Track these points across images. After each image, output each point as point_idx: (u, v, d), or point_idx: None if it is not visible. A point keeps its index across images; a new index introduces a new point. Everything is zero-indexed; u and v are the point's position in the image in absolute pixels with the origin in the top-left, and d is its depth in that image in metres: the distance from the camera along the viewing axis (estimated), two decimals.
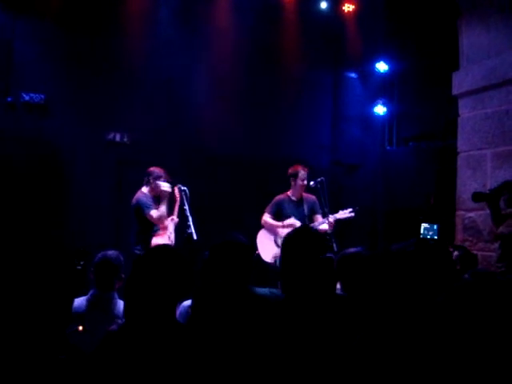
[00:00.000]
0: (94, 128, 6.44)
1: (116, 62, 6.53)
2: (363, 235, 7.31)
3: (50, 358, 1.89)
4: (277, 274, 5.85)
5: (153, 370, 2.00)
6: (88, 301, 3.23)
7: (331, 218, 5.71)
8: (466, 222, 5.84)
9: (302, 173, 5.94)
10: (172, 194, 5.47)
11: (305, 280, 2.26)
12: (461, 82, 6.01)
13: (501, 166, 5.53)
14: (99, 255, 3.31)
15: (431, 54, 6.96)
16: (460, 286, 2.09)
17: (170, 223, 5.48)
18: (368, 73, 8.06)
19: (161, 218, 5.34)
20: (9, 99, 6.21)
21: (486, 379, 1.93)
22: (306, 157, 6.99)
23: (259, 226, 6.12)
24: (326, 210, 5.80)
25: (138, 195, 5.45)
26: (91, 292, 3.27)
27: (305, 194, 6.06)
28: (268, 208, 6.08)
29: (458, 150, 6.05)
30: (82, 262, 3.36)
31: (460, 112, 6.07)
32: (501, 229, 4.73)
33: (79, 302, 3.19)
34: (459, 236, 5.90)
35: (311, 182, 5.98)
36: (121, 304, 3.18)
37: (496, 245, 4.91)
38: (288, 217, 5.97)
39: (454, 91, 6.08)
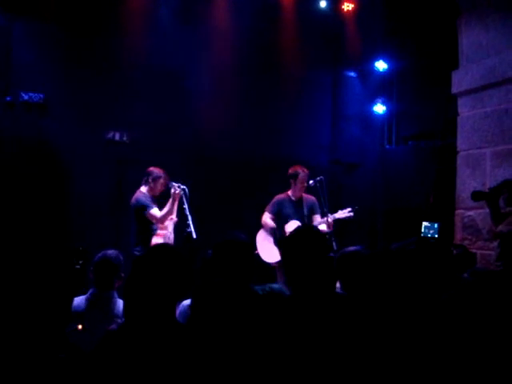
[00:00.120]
0: (93, 127, 6.43)
1: (115, 61, 6.53)
2: (363, 234, 7.31)
3: (50, 356, 1.89)
4: (275, 273, 5.89)
5: (152, 369, 2.00)
6: (87, 300, 3.23)
7: (330, 218, 5.71)
8: (466, 220, 5.84)
9: (302, 174, 5.94)
10: (168, 192, 5.45)
11: (308, 279, 2.26)
12: (460, 80, 6.01)
13: (500, 164, 5.54)
14: (99, 254, 3.31)
15: (430, 53, 6.96)
16: (461, 285, 2.09)
17: (170, 223, 5.48)
18: (367, 72, 8.06)
19: (163, 218, 5.33)
20: (8, 98, 6.20)
21: (488, 377, 1.93)
22: (305, 156, 6.99)
23: (259, 225, 6.12)
24: (325, 209, 5.81)
25: (137, 195, 5.45)
26: (91, 291, 3.27)
27: (305, 195, 6.07)
28: (268, 207, 6.08)
29: (458, 148, 6.06)
30: (80, 262, 3.36)
31: (459, 111, 6.07)
32: (500, 227, 4.73)
33: (79, 301, 3.19)
34: (458, 235, 5.91)
35: (310, 181, 5.98)
36: (120, 303, 3.18)
37: (495, 243, 4.91)
38: (287, 216, 5.97)
39: (454, 90, 6.09)
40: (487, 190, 5.00)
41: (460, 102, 6.07)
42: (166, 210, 5.32)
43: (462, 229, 5.87)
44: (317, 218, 5.98)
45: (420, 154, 7.37)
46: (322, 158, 7.77)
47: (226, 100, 7.00)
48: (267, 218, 6.05)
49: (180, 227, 5.44)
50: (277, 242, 5.87)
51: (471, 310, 2.16)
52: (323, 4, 7.69)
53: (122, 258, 3.37)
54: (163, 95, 6.70)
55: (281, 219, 6.00)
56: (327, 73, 8.10)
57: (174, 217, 5.50)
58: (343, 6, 7.86)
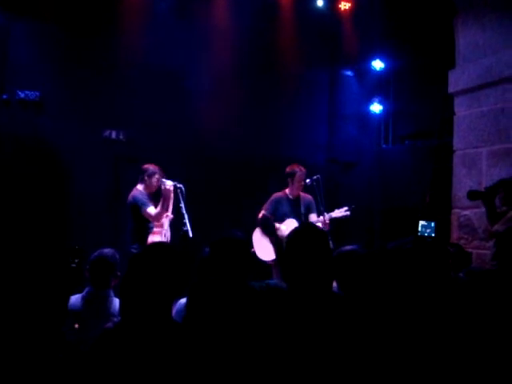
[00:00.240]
0: (89, 125, 6.42)
1: (112, 59, 6.52)
2: (359, 233, 7.32)
3: (46, 355, 1.89)
4: (271, 271, 5.89)
5: (148, 368, 1.99)
6: (83, 298, 3.22)
7: (326, 217, 5.72)
8: (462, 219, 5.86)
9: (299, 173, 5.95)
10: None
11: (308, 276, 2.26)
12: (457, 80, 6.02)
13: (496, 164, 5.55)
14: (95, 253, 3.31)
15: (427, 53, 6.96)
16: (457, 285, 2.09)
17: (165, 220, 5.47)
18: (364, 71, 8.07)
19: (158, 216, 5.33)
20: (4, 96, 6.20)
21: (485, 376, 1.94)
22: (302, 154, 7.00)
23: (255, 223, 6.12)
24: (321, 208, 5.81)
25: (134, 193, 5.45)
26: (87, 290, 3.27)
27: (302, 194, 6.07)
28: (266, 205, 6.09)
29: (454, 148, 6.07)
30: (76, 260, 3.35)
31: (456, 110, 6.08)
32: (496, 227, 4.74)
33: (74, 299, 3.19)
34: (455, 234, 5.92)
35: (307, 180, 5.99)
36: (116, 302, 3.18)
37: (491, 243, 4.92)
38: (284, 215, 5.98)
39: (450, 89, 6.10)
40: (483, 190, 5.01)
41: (456, 101, 6.08)
42: (159, 208, 5.32)
43: (458, 228, 5.88)
44: (313, 217, 5.99)
45: (416, 154, 7.38)
46: (318, 156, 7.78)
47: (224, 99, 7.00)
48: None
49: (176, 226, 5.44)
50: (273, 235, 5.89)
51: (467, 310, 2.17)
52: (320, 3, 7.70)
53: (118, 256, 3.37)
54: (161, 94, 6.70)
55: (278, 217, 6.01)
56: (324, 72, 8.11)
57: (169, 214, 5.50)
58: (340, 5, 7.87)
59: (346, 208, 5.88)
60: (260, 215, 6.03)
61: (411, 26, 7.23)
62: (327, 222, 5.71)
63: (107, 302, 3.23)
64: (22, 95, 6.22)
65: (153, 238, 5.33)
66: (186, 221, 5.16)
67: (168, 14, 6.88)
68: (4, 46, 6.24)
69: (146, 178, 5.47)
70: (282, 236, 5.89)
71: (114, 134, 6.62)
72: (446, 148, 6.36)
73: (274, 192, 6.19)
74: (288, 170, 6.04)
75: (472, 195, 4.98)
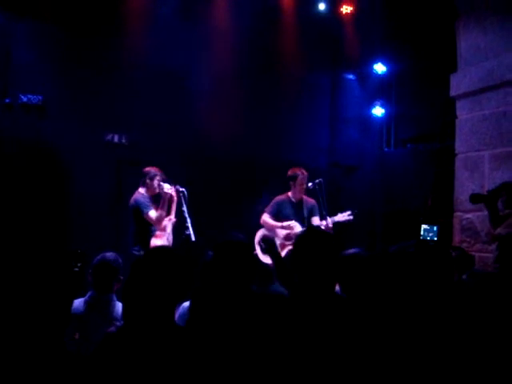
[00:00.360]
0: (92, 129, 6.43)
1: (114, 62, 6.53)
2: (361, 236, 7.31)
3: (49, 359, 1.89)
4: (273, 274, 5.88)
5: (151, 372, 1.99)
6: (86, 302, 3.22)
7: (329, 221, 5.72)
8: (464, 223, 5.85)
9: (301, 176, 5.94)
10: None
11: (314, 278, 2.27)
12: (458, 83, 6.02)
13: (498, 167, 5.54)
14: (98, 257, 3.30)
15: (429, 56, 6.97)
16: (460, 287, 2.09)
17: (168, 223, 5.47)
18: (366, 74, 8.08)
19: (159, 219, 5.33)
20: (7, 100, 6.20)
21: (487, 379, 1.93)
22: (304, 158, 7.00)
23: (258, 226, 6.12)
24: (324, 211, 5.81)
25: (136, 196, 5.45)
26: (89, 294, 3.26)
27: (305, 197, 6.07)
28: (268, 208, 6.09)
29: (456, 151, 6.07)
30: (79, 264, 3.35)
31: (458, 113, 6.08)
32: (498, 230, 4.74)
33: (77, 303, 3.18)
34: (457, 237, 5.91)
35: (309, 184, 5.99)
36: (119, 306, 3.17)
37: (493, 246, 4.92)
38: (287, 218, 5.97)
39: (452, 93, 6.10)
40: (486, 193, 5.01)
41: (458, 104, 6.08)
42: (159, 211, 5.32)
43: (461, 231, 5.88)
44: (316, 221, 5.98)
45: (418, 157, 7.38)
46: (320, 160, 7.78)
47: (226, 102, 7.01)
48: (266, 218, 6.05)
49: (179, 229, 5.44)
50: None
51: (470, 312, 2.16)
52: (322, 7, 7.71)
53: (120, 260, 3.36)
54: (163, 97, 6.71)
55: (280, 220, 6.01)
56: (326, 75, 8.12)
57: (172, 217, 5.50)
58: (342, 9, 7.88)
59: (349, 212, 5.87)
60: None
61: (413, 30, 7.24)
62: (330, 226, 5.71)
63: (110, 306, 3.23)
64: (25, 99, 6.23)
65: (155, 242, 5.33)
66: (189, 224, 5.17)
67: (169, 16, 6.90)
68: (7, 48, 6.25)
69: (147, 180, 5.47)
70: (288, 234, 5.88)
71: (116, 138, 6.63)
72: (448, 151, 6.36)
73: (275, 195, 6.19)
74: (290, 173, 6.04)
75: (474, 198, 4.98)
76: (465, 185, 5.87)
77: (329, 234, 2.51)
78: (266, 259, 5.94)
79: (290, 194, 6.08)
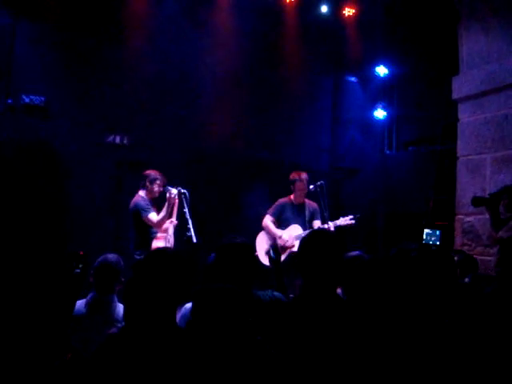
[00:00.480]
0: (93, 130, 6.45)
1: (116, 64, 6.54)
2: (363, 238, 7.31)
3: (51, 361, 1.89)
4: (273, 275, 5.89)
5: (151, 373, 2.00)
6: (87, 304, 3.22)
7: (331, 225, 5.72)
8: (465, 226, 5.84)
9: (299, 182, 5.94)
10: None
11: (321, 280, 2.27)
12: (460, 86, 6.02)
13: (500, 170, 5.54)
14: (99, 259, 3.30)
15: (431, 59, 6.98)
16: (462, 291, 2.09)
17: (170, 226, 5.46)
18: (368, 77, 8.09)
19: (161, 222, 5.33)
20: (9, 101, 6.21)
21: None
22: (305, 160, 7.02)
23: (259, 228, 6.12)
24: (325, 214, 5.81)
25: (136, 199, 5.44)
26: (91, 295, 3.26)
27: (307, 200, 6.07)
28: (270, 210, 6.09)
29: (458, 154, 6.06)
30: (80, 266, 3.35)
31: (459, 116, 6.08)
32: (500, 233, 4.73)
33: (78, 304, 3.18)
34: (458, 240, 5.90)
35: (311, 186, 5.98)
36: (121, 307, 3.17)
37: (495, 249, 4.91)
38: (288, 221, 5.98)
39: (454, 96, 6.10)
40: (487, 196, 5.00)
41: (460, 107, 6.08)
42: (162, 214, 5.32)
43: (462, 234, 5.87)
44: (317, 224, 5.98)
45: (420, 160, 7.38)
46: (322, 162, 7.79)
47: (228, 104, 7.02)
48: (268, 221, 6.06)
49: (180, 231, 5.44)
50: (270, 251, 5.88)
51: (471, 315, 2.16)
52: (325, 9, 7.72)
53: (122, 262, 3.36)
54: (165, 98, 6.72)
55: (281, 223, 6.01)
56: (328, 77, 8.13)
57: (174, 219, 5.49)
58: (344, 12, 7.89)
59: (351, 216, 5.87)
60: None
61: (415, 33, 7.25)
62: (332, 229, 5.71)
63: (111, 308, 3.22)
64: (27, 100, 6.24)
65: (157, 244, 5.33)
66: (190, 226, 5.15)
67: (172, 19, 6.90)
68: (10, 49, 6.26)
69: (147, 184, 5.47)
70: (284, 245, 5.89)
71: (117, 139, 6.63)
72: (450, 154, 6.36)
73: (276, 197, 6.19)
74: (290, 177, 6.04)
75: (476, 201, 4.97)
76: (466, 188, 5.87)
77: (334, 236, 2.51)
78: (267, 261, 5.95)
79: (292, 196, 6.08)
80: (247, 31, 7.15)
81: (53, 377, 1.86)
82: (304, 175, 5.97)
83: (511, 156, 5.46)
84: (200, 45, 6.99)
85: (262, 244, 6.06)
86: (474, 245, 5.73)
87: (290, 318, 2.25)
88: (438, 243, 4.30)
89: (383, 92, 8.05)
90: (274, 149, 7.28)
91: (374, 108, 8.01)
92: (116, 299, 3.28)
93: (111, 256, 3.31)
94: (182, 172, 6.24)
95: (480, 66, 5.81)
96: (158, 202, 5.59)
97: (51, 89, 6.31)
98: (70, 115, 6.34)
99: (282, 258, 5.91)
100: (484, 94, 5.76)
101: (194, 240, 5.08)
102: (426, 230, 4.37)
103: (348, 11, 7.90)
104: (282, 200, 6.13)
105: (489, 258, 5.36)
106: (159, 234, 5.42)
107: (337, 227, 5.77)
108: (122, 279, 3.26)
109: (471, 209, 5.43)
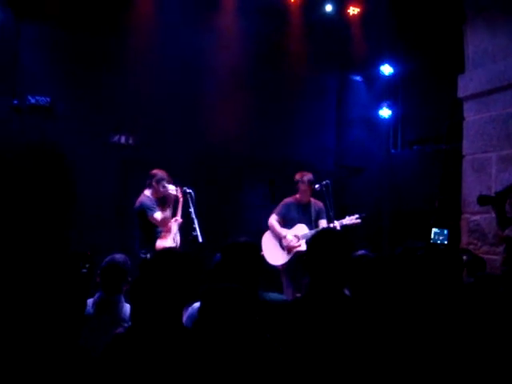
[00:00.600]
0: (99, 130, 6.46)
1: (121, 64, 6.55)
2: (368, 237, 7.30)
3: (59, 360, 1.90)
4: (280, 276, 5.90)
5: (158, 373, 2.00)
6: (94, 303, 3.23)
7: (337, 224, 5.73)
8: (471, 225, 5.83)
9: (301, 183, 5.94)
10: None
11: (329, 279, 2.28)
12: (466, 85, 6.00)
13: (506, 168, 5.53)
14: (107, 259, 3.30)
15: (436, 57, 6.95)
16: (467, 290, 2.09)
17: (174, 224, 5.48)
18: (373, 76, 8.06)
19: (164, 221, 5.35)
20: (15, 102, 6.24)
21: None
22: (310, 159, 7.01)
23: (264, 228, 6.13)
24: (330, 213, 5.82)
25: (142, 198, 5.46)
26: (98, 295, 3.27)
27: (313, 200, 6.07)
28: (276, 209, 6.10)
29: (463, 153, 6.05)
30: (87, 265, 3.36)
31: (465, 115, 6.06)
32: (506, 232, 4.72)
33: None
34: (464, 239, 5.89)
35: (316, 185, 5.98)
36: (127, 307, 3.18)
37: (501, 248, 4.90)
38: (293, 220, 5.98)
39: (460, 94, 6.08)
40: (493, 195, 4.99)
41: (466, 106, 6.06)
42: (163, 213, 5.34)
43: (468, 233, 5.85)
44: (323, 223, 5.98)
45: (425, 159, 7.36)
46: (327, 161, 7.78)
47: (233, 103, 7.01)
48: (274, 221, 6.06)
49: (186, 231, 5.45)
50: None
51: (478, 315, 2.16)
52: (329, 8, 7.70)
53: (129, 262, 3.37)
54: (170, 98, 6.73)
55: (287, 222, 6.02)
56: (333, 76, 8.11)
57: (178, 218, 5.51)
58: (349, 10, 7.87)
59: (356, 216, 5.87)
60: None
61: (420, 31, 7.23)
62: (338, 228, 5.71)
63: (118, 308, 3.24)
64: (33, 101, 6.26)
65: (161, 243, 5.34)
66: (196, 225, 5.17)
67: (177, 19, 6.91)
68: (15, 50, 6.29)
69: (153, 183, 5.48)
70: (287, 246, 5.90)
71: (123, 139, 6.65)
72: (455, 153, 6.34)
73: (282, 196, 6.20)
74: (295, 177, 6.05)
75: (482, 200, 4.95)
76: (472, 187, 5.85)
77: (342, 235, 2.51)
78: (273, 261, 5.97)
79: (297, 196, 6.09)
80: (252, 32, 7.13)
81: (61, 376, 1.87)
82: (307, 176, 5.95)
83: None
84: (205, 47, 6.98)
85: (267, 244, 6.07)
86: (479, 244, 5.72)
87: (298, 317, 2.25)
88: (445, 242, 4.28)
89: (388, 91, 8.03)
90: (278, 149, 7.28)
91: (379, 107, 8.00)
92: (123, 299, 3.29)
93: (118, 256, 3.32)
94: (187, 172, 6.25)
95: (486, 65, 5.79)
96: (163, 201, 5.60)
97: (56, 89, 6.33)
98: (76, 115, 6.36)
99: (289, 257, 5.93)
100: (490, 92, 5.73)
101: (200, 240, 5.10)
102: (434, 230, 4.35)
103: (353, 10, 7.88)
104: (287, 200, 6.14)
105: (495, 257, 5.35)
106: (164, 233, 5.44)
107: (343, 226, 5.78)
108: (129, 279, 3.28)
109: (477, 207, 5.41)
